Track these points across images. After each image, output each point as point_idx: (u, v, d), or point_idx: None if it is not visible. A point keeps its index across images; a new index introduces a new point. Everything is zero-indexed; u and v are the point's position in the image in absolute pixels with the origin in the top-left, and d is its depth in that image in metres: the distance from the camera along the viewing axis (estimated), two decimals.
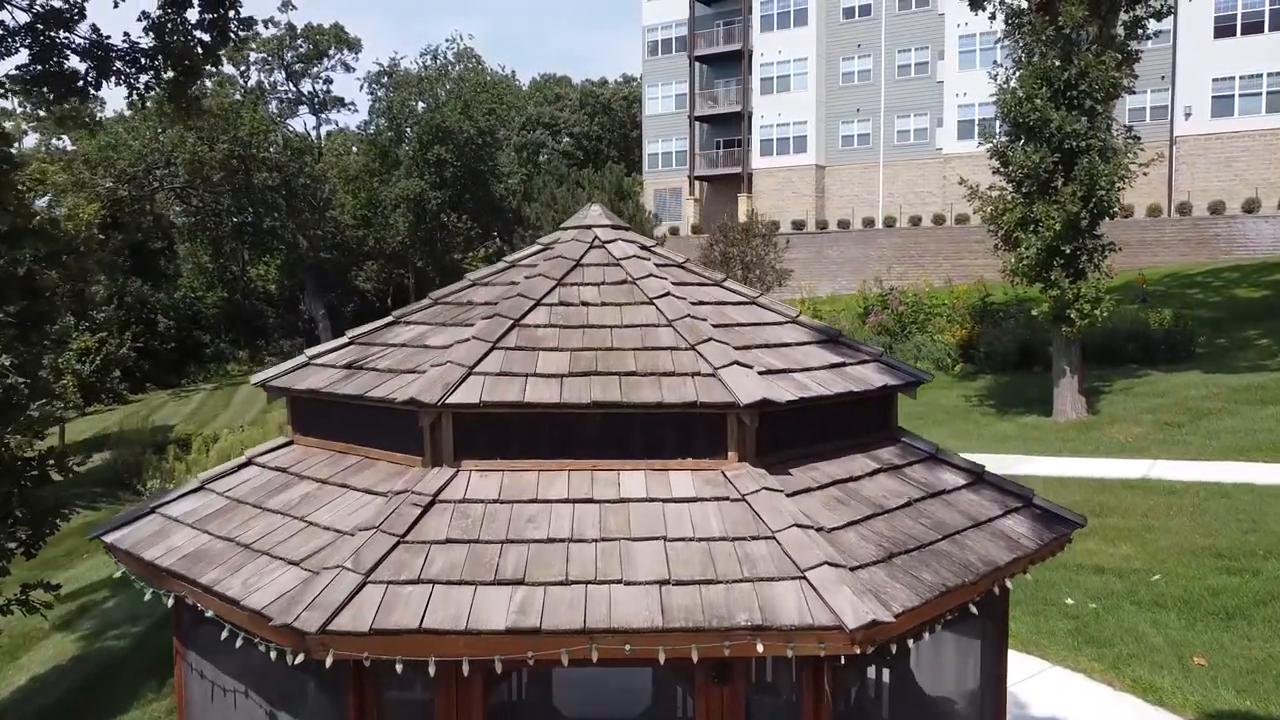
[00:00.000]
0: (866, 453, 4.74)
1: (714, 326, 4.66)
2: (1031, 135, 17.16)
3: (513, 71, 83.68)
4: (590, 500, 3.97)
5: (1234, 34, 43.02)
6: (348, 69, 58.96)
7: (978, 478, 4.90)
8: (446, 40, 75.02)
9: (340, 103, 55.12)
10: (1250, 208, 40.02)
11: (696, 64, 55.61)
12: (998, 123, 18.66)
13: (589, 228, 5.41)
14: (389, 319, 5.19)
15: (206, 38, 10.01)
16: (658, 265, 5.20)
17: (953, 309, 26.22)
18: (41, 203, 34.17)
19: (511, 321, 4.56)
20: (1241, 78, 43.49)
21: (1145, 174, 17.70)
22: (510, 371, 4.23)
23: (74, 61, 9.29)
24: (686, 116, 55.86)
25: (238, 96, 48.24)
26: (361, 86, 73.45)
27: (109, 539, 4.63)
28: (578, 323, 4.62)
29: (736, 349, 4.48)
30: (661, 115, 58.33)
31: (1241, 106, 43.84)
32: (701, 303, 4.94)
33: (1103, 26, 17.64)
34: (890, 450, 4.87)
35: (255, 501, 4.46)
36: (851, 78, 52.54)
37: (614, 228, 5.44)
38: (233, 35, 10.04)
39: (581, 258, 5.13)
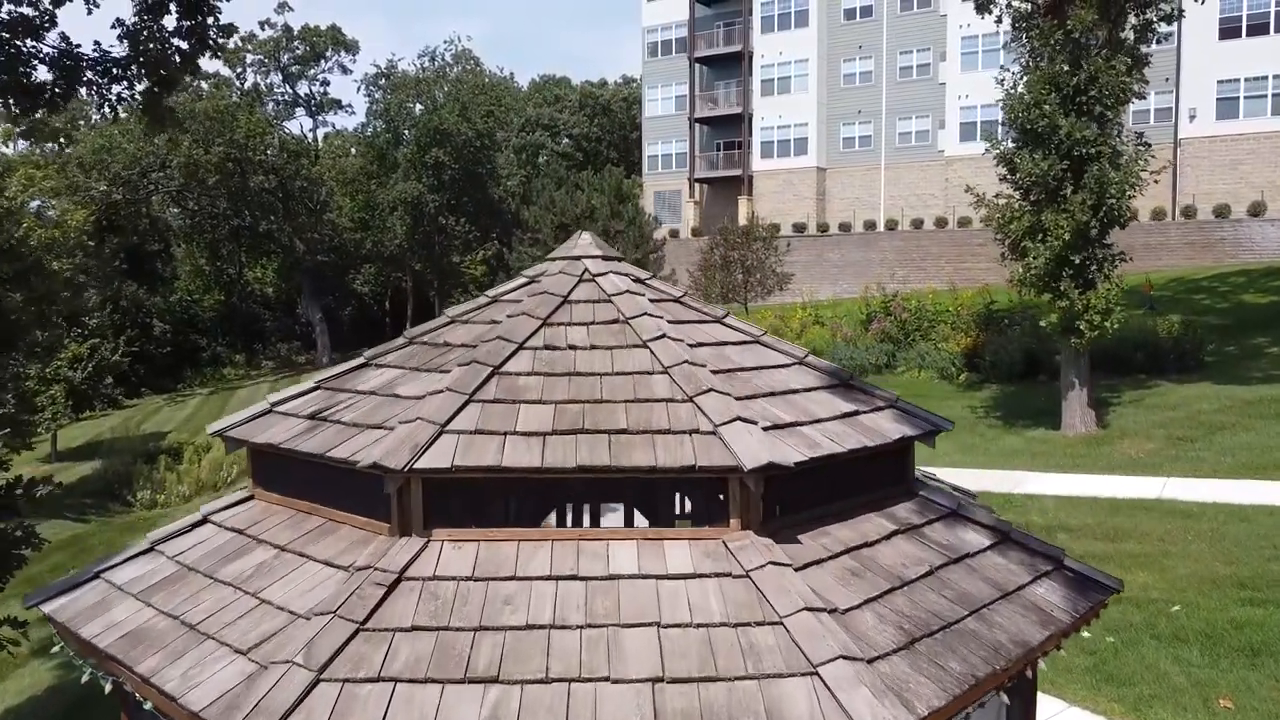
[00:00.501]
0: (882, 511, 4.32)
1: (714, 373, 4.23)
2: (1039, 142, 16.72)
3: (511, 73, 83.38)
4: (575, 577, 3.54)
5: (1239, 35, 42.63)
6: (345, 71, 58.40)
7: (1004, 537, 4.47)
8: (444, 42, 74.60)
9: (337, 105, 54.64)
10: (1256, 211, 39.59)
11: (696, 65, 55.20)
12: (1000, 128, 18.20)
13: (578, 258, 4.99)
14: (359, 360, 4.76)
15: (184, 45, 9.57)
16: (653, 300, 4.78)
17: (956, 316, 25.76)
18: (32, 206, 33.78)
19: (490, 369, 4.13)
20: (1247, 79, 43.09)
21: (1156, 182, 17.27)
22: (487, 429, 3.80)
23: (42, 72, 8.87)
24: (686, 118, 55.47)
25: (234, 99, 47.79)
26: (359, 89, 73.04)
27: (47, 609, 4.21)
28: (564, 370, 4.19)
29: (739, 399, 4.06)
30: (661, 117, 57.95)
31: (1247, 109, 43.44)
32: (700, 344, 4.52)
33: (1112, 30, 17.20)
34: (908, 507, 4.44)
35: (207, 570, 4.04)
36: (853, 79, 52.16)
37: (605, 258, 5.02)
38: (211, 43, 9.61)
39: (569, 293, 4.71)
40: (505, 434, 3.78)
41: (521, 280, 5.02)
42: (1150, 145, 17.16)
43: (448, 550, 3.65)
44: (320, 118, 56.32)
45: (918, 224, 46.58)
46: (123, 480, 25.16)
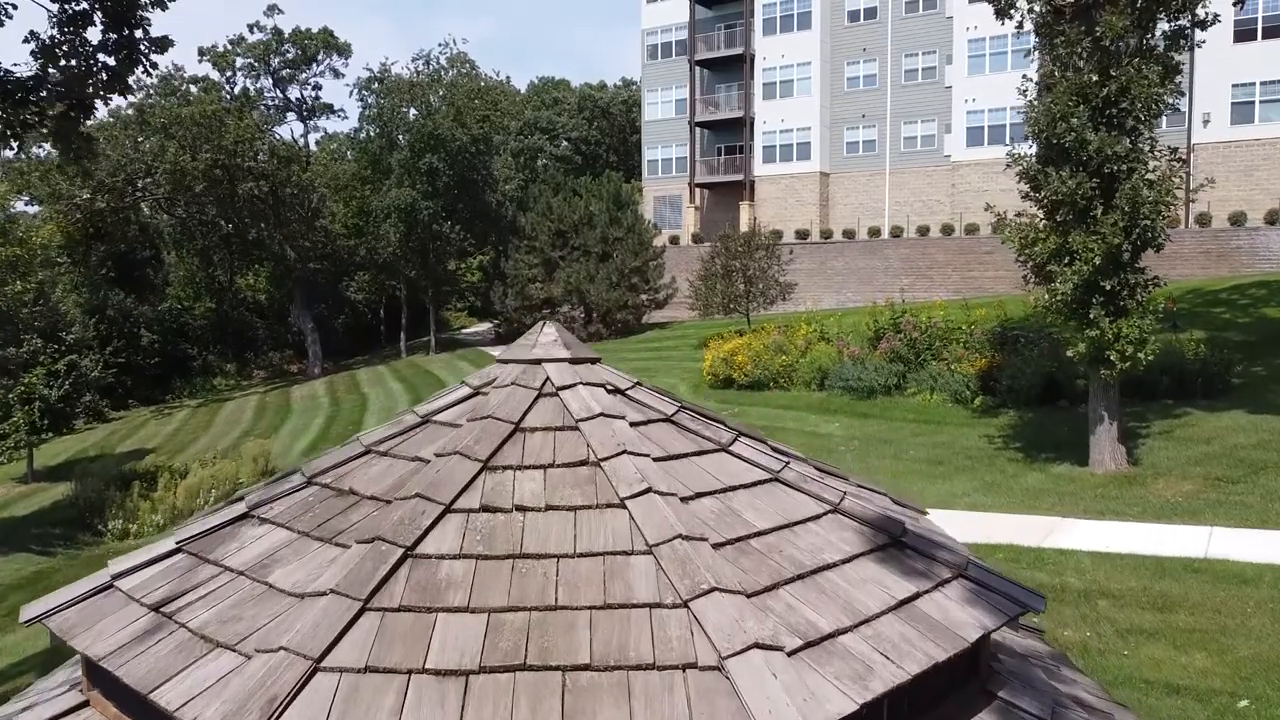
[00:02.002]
0: None
1: (719, 548, 3.02)
2: (1066, 157, 15.51)
3: (507, 77, 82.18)
4: None
5: (1255, 38, 41.48)
6: (337, 75, 57.10)
7: None
8: (439, 45, 73.55)
9: (329, 109, 53.39)
10: (1273, 219, 38.35)
11: (697, 68, 54.04)
12: (1024, 139, 16.99)
13: (537, 362, 3.77)
14: (240, 509, 3.53)
15: (112, 62, 8.38)
16: (636, 424, 3.56)
17: (969, 335, 24.50)
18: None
19: (401, 551, 2.91)
20: (1263, 83, 41.99)
21: (1193, 200, 16.06)
22: (382, 665, 2.58)
23: None
24: (687, 122, 54.30)
25: (223, 104, 46.59)
26: (351, 93, 71.89)
27: None
28: (506, 549, 2.97)
29: (754, 596, 2.85)
30: (661, 120, 56.79)
31: (1262, 113, 42.36)
32: (699, 494, 3.30)
33: (1143, 36, 16.00)
34: None
35: None
36: (857, 82, 51.02)
37: (574, 361, 3.79)
38: (143, 59, 8.41)
39: (523, 418, 3.49)
40: (410, 673, 2.56)
41: (464, 391, 3.80)
42: (1185, 161, 15.95)
43: None
44: (312, 122, 55.09)
45: (923, 231, 45.41)
46: (94, 508, 23.91)
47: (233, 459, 26.59)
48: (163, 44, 8.63)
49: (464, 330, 61.63)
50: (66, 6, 8.21)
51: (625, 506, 3.11)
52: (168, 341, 51.66)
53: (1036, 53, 17.02)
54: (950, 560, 3.44)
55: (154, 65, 8.54)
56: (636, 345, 40.68)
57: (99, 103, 8.65)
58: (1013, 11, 17.03)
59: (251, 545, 3.26)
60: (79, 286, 46.30)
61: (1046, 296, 15.81)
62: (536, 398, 3.59)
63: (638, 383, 3.90)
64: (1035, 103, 15.97)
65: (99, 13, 8.28)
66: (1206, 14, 16.33)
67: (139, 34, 8.30)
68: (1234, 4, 17.38)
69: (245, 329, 57.41)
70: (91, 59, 8.30)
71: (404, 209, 45.51)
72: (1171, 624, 10.11)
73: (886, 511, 3.74)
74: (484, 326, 58.57)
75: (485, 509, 3.11)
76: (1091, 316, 15.31)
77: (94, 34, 8.35)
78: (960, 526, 13.86)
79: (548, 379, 3.67)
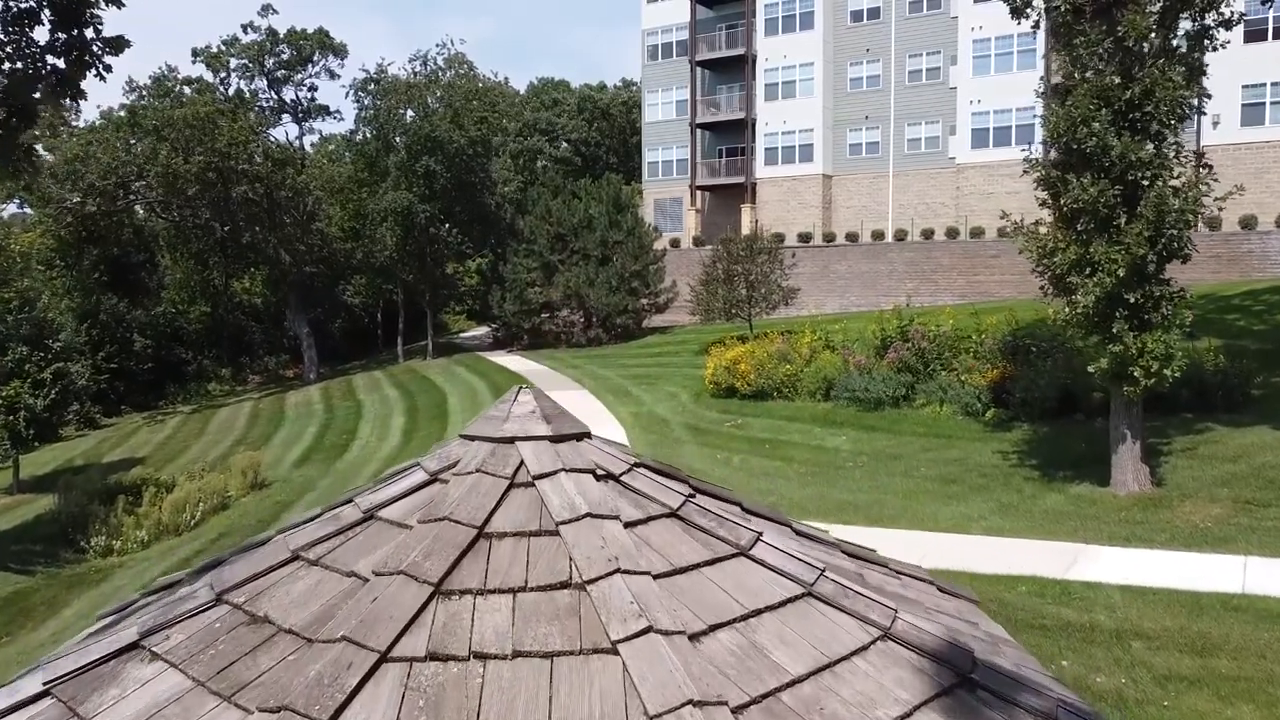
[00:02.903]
0: None
1: (739, 712, 2.28)
2: (1087, 163, 14.78)
3: (506, 78, 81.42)
4: None
5: (1265, 39, 40.78)
6: (333, 76, 56.31)
7: None
8: (436, 45, 72.75)
9: (325, 111, 52.57)
10: None
11: (698, 69, 53.35)
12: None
13: (510, 441, 3.02)
14: (131, 637, 2.78)
15: (60, 64, 7.65)
16: (632, 524, 2.81)
17: (979, 344, 23.72)
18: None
19: None
20: (1273, 84, 41.31)
21: (1221, 209, 15.31)
22: None
23: None
24: (688, 123, 53.59)
25: (217, 105, 45.82)
26: (347, 94, 71.22)
27: None
28: None
29: None
30: (662, 122, 56.10)
31: (1273, 114, 41.70)
32: (715, 626, 2.56)
33: (1166, 37, 15.28)
34: None
35: None
36: (860, 83, 50.33)
37: (554, 439, 3.05)
38: (95, 62, 7.69)
39: (488, 520, 2.74)
40: None
41: (419, 477, 3.05)
42: (1212, 167, 15.23)
43: None
44: (307, 124, 54.33)
45: (928, 234, 44.69)
46: (77, 523, 23.13)
47: (221, 471, 25.82)
48: (117, 45, 7.90)
49: (462, 334, 60.85)
50: (11, 4, 7.48)
51: (618, 652, 2.36)
52: (161, 346, 50.87)
53: (1048, 54, 16.27)
54: (1037, 706, 2.69)
55: (108, 68, 7.82)
56: (637, 350, 39.95)
57: (74, 107, 7.95)
58: (1029, 11, 16.29)
59: (134, 694, 2.52)
60: (71, 291, 45.52)
61: (1066, 309, 15.05)
62: (507, 489, 2.85)
63: (636, 463, 3.15)
64: (1054, 106, 15.22)
65: (47, 10, 7.56)
66: (1231, 13, 15.57)
67: (90, 34, 7.60)
68: (1263, 2, 16.61)
69: (240, 333, 56.62)
70: (39, 61, 7.59)
71: (401, 212, 44.76)
72: (1213, 670, 9.36)
73: (943, 623, 2.99)
74: (482, 330, 57.79)
75: (433, 657, 2.36)
76: (1114, 331, 14.56)
77: (42, 34, 7.66)
78: (978, 553, 13.13)
79: (522, 464, 2.93)
